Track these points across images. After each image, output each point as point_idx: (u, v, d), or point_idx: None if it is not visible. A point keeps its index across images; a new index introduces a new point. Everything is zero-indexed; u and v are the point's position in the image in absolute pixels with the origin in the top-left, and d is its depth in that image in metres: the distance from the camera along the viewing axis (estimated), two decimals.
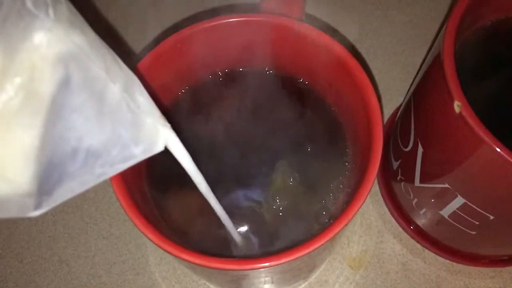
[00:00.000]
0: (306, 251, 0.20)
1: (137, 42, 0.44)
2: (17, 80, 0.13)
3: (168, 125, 0.19)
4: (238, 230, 0.26)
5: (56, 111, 0.14)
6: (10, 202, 0.15)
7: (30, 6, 0.13)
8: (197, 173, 0.21)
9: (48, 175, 0.15)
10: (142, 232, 0.21)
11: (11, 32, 0.13)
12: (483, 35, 0.27)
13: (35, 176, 0.15)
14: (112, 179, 0.22)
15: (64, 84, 0.14)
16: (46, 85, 0.14)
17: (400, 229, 0.35)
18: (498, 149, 0.21)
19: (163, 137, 0.18)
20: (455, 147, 0.24)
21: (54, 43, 0.14)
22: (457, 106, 0.22)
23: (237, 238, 0.25)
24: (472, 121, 0.21)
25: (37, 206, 0.15)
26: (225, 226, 0.24)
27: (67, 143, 0.15)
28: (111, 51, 0.17)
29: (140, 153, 0.17)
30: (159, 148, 0.18)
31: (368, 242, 0.35)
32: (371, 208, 0.36)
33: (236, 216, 0.26)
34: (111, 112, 0.16)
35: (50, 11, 0.14)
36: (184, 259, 0.20)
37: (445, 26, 0.24)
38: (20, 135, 0.14)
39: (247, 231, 0.26)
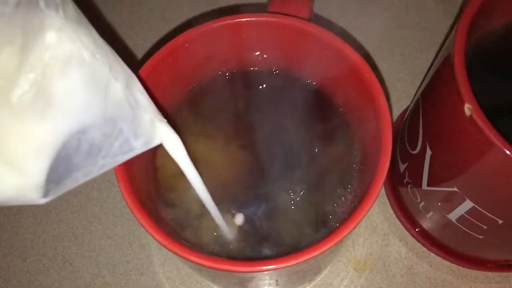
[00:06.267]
0: (314, 253, 0.20)
1: (144, 41, 0.43)
2: (31, 76, 0.14)
3: (165, 120, 0.20)
4: (240, 231, 0.26)
5: (64, 106, 0.15)
6: (19, 192, 0.15)
7: (43, 6, 0.14)
8: (192, 171, 0.22)
9: (56, 166, 0.16)
10: (150, 233, 0.21)
11: (28, 30, 0.14)
12: (493, 37, 0.27)
13: (45, 167, 0.15)
14: (119, 179, 0.22)
15: (72, 81, 0.15)
16: (56, 81, 0.15)
17: (406, 232, 0.35)
18: (508, 152, 0.21)
19: (159, 132, 0.19)
20: (465, 150, 0.24)
21: (64, 42, 0.15)
22: (467, 108, 0.22)
23: (228, 234, 0.25)
24: (483, 124, 0.21)
25: (44, 195, 0.16)
26: (217, 223, 0.25)
27: (74, 136, 0.16)
28: (111, 49, 0.17)
29: (139, 146, 0.19)
30: (156, 142, 0.20)
31: (374, 245, 0.35)
32: (376, 210, 0.36)
33: (239, 218, 0.26)
34: (114, 107, 0.17)
35: (60, 11, 0.15)
36: (191, 261, 0.20)
37: (455, 27, 0.23)
38: (32, 128, 0.15)
39: (253, 234, 0.26)
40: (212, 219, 0.25)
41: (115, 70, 0.17)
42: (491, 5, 0.24)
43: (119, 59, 0.18)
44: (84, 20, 0.16)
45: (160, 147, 0.20)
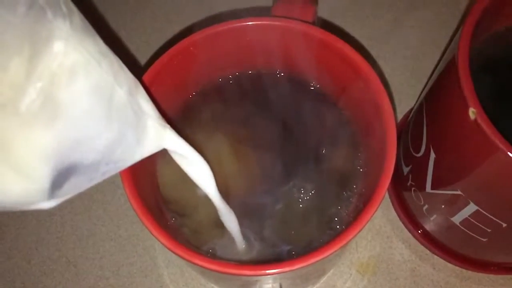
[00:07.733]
0: (319, 257, 0.20)
1: (148, 44, 0.44)
2: (39, 84, 0.14)
3: (168, 126, 0.20)
4: (246, 234, 0.26)
5: (70, 113, 0.15)
6: (25, 197, 0.16)
7: (51, 16, 0.14)
8: (199, 174, 0.22)
9: (61, 172, 0.16)
10: (154, 236, 0.21)
11: (35, 40, 0.14)
12: (497, 40, 0.27)
13: (51, 173, 0.16)
14: (124, 181, 0.22)
15: (78, 89, 0.15)
16: (63, 90, 0.15)
17: (409, 235, 0.35)
18: None
19: (162, 138, 0.20)
20: (469, 153, 0.24)
21: (70, 51, 0.15)
22: (472, 112, 0.22)
23: (240, 244, 0.25)
24: (487, 128, 0.21)
25: (48, 200, 0.16)
26: (229, 229, 0.25)
27: (79, 143, 0.16)
28: (116, 57, 0.18)
29: (142, 152, 0.19)
30: (159, 148, 0.20)
31: (377, 247, 0.35)
32: (380, 213, 0.36)
33: (246, 220, 0.26)
34: (118, 114, 0.17)
35: (67, 22, 0.15)
36: (196, 264, 0.20)
37: (460, 31, 0.23)
38: (39, 135, 0.15)
39: (258, 236, 0.26)
40: (213, 219, 0.26)
41: (119, 77, 0.17)
42: (495, 9, 0.24)
43: (124, 66, 0.18)
44: (90, 29, 0.16)
45: (161, 152, 0.21)
